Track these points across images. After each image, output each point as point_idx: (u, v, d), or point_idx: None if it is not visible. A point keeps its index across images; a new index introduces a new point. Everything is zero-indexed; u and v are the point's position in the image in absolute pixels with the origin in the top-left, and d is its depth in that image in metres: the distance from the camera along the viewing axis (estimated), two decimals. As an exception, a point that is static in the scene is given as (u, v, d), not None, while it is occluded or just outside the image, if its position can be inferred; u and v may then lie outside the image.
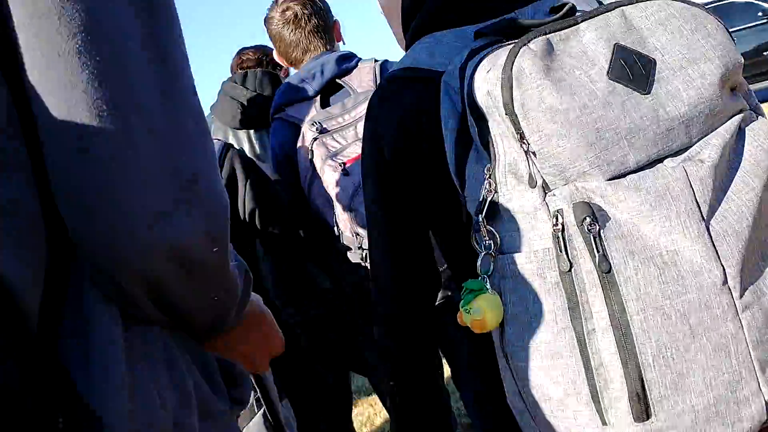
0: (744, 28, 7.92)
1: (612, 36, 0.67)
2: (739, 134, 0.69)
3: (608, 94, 0.64)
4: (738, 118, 0.69)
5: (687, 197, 0.63)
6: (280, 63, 1.73)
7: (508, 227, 0.68)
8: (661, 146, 0.65)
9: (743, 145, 0.68)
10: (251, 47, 2.03)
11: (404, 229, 0.82)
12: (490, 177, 0.68)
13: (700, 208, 0.63)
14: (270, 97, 1.69)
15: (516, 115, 0.64)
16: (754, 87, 8.43)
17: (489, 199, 0.68)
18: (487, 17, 0.82)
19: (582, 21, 0.68)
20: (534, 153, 0.64)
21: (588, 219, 0.62)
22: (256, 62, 1.94)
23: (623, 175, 0.64)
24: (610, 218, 0.63)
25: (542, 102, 0.63)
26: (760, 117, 0.72)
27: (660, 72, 0.67)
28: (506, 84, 0.65)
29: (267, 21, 1.68)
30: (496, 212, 0.68)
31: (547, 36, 0.67)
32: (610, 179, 0.63)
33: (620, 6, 0.70)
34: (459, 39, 0.80)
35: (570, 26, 0.68)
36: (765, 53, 8.04)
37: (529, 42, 0.66)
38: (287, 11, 1.63)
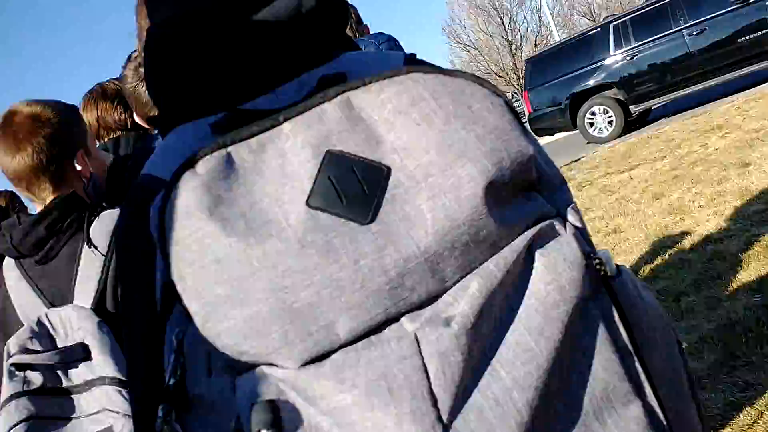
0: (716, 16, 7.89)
1: (325, 139, 0.47)
2: (527, 262, 0.47)
3: (306, 232, 0.44)
4: (525, 238, 0.47)
5: (416, 387, 0.41)
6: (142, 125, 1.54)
7: (199, 425, 0.48)
8: (392, 302, 0.44)
9: (528, 281, 0.46)
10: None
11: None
12: (178, 347, 0.49)
13: (437, 403, 0.41)
14: None
15: (171, 275, 0.44)
16: (729, 76, 8.20)
17: (173, 380, 0.48)
18: (246, 97, 0.62)
19: (285, 120, 0.48)
20: (198, 327, 0.44)
21: None
22: (122, 125, 1.74)
23: (330, 353, 0.43)
24: (303, 422, 0.42)
25: (203, 255, 0.44)
26: (568, 226, 0.50)
27: (396, 186, 0.46)
28: (160, 228, 0.45)
29: (121, 79, 1.50)
30: (185, 401, 0.48)
31: (229, 149, 0.47)
32: (308, 362, 0.43)
33: (346, 91, 0.49)
34: (199, 133, 0.61)
35: (270, 128, 0.48)
36: (739, 40, 7.96)
37: (196, 163, 0.46)
38: (141, 66, 1.44)
